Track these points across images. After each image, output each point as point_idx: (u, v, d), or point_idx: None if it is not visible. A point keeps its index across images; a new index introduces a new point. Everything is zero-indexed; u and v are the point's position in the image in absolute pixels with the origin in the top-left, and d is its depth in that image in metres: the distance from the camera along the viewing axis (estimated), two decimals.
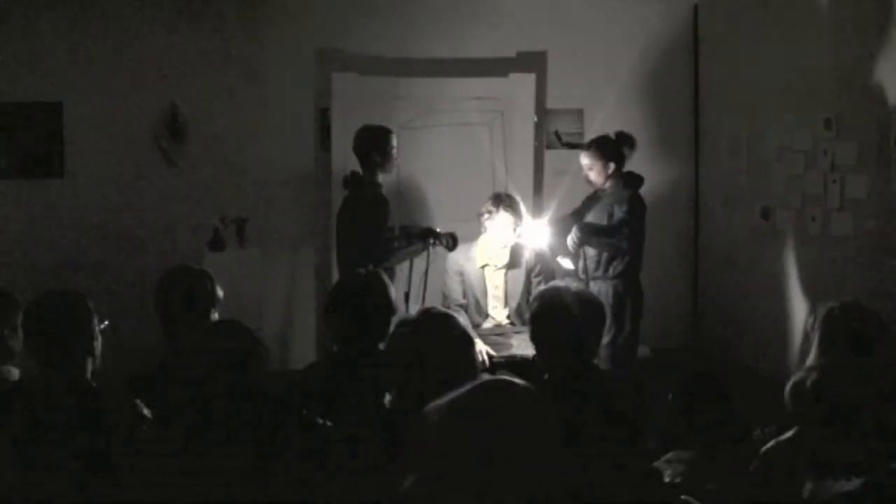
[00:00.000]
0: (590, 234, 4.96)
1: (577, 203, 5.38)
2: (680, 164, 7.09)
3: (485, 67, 6.43)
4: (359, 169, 5.12)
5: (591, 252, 5.05)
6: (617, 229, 4.97)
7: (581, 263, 5.10)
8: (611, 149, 5.06)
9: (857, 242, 5.43)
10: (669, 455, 2.77)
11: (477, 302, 5.11)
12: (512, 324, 5.11)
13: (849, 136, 5.46)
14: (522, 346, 4.60)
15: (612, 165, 5.01)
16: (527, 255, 5.15)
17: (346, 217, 5.09)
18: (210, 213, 6.17)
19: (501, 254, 5.10)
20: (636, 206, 5.01)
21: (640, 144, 5.33)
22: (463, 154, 6.32)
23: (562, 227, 5.07)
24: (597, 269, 5.02)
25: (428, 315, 2.56)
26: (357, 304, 3.31)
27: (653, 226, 5.09)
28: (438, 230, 5.14)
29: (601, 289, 4.95)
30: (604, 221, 4.97)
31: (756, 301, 6.45)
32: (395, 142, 5.08)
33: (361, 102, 5.98)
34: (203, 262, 5.72)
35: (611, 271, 4.99)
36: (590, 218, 5.09)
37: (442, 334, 2.48)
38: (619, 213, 4.98)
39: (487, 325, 5.11)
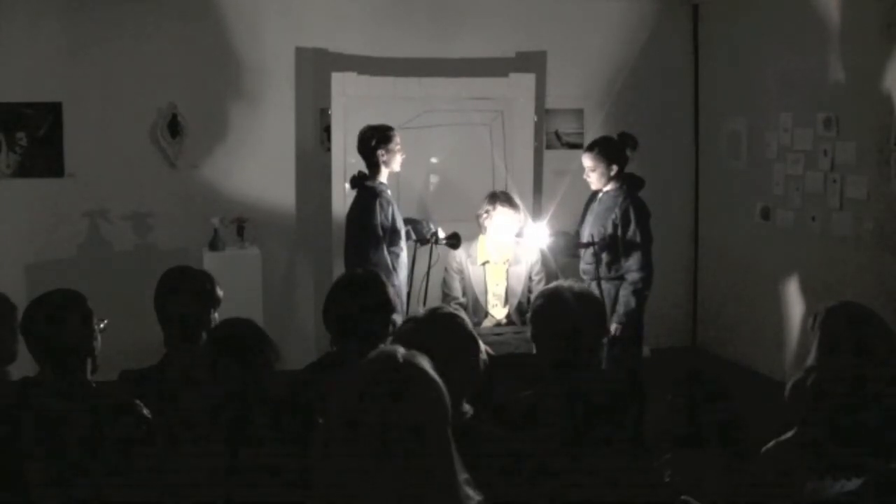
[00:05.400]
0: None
1: (577, 203, 5.38)
2: (680, 164, 7.09)
3: (485, 67, 6.43)
4: (364, 169, 5.12)
5: (589, 252, 5.04)
6: (630, 242, 4.95)
7: (582, 265, 5.10)
8: (614, 150, 5.03)
9: (857, 242, 5.43)
10: (669, 455, 2.77)
11: (476, 300, 5.11)
12: (511, 323, 5.11)
13: (849, 136, 5.47)
14: (522, 344, 4.60)
15: (614, 168, 4.98)
16: (527, 254, 5.16)
17: (352, 217, 5.09)
18: (210, 213, 6.17)
19: (503, 250, 5.10)
20: (640, 211, 4.98)
21: (639, 145, 5.33)
22: (463, 154, 6.32)
23: (562, 245, 5.06)
24: (597, 269, 5.01)
25: (436, 314, 2.55)
26: (355, 302, 3.30)
27: (653, 225, 5.08)
28: (439, 232, 5.13)
29: (602, 289, 4.94)
30: (607, 224, 4.96)
31: (756, 301, 6.45)
32: (399, 139, 5.08)
33: (361, 102, 5.98)
34: (203, 262, 5.75)
35: (612, 272, 4.98)
36: (590, 220, 5.08)
37: (448, 334, 2.47)
38: (620, 217, 4.94)
39: (487, 323, 5.11)
